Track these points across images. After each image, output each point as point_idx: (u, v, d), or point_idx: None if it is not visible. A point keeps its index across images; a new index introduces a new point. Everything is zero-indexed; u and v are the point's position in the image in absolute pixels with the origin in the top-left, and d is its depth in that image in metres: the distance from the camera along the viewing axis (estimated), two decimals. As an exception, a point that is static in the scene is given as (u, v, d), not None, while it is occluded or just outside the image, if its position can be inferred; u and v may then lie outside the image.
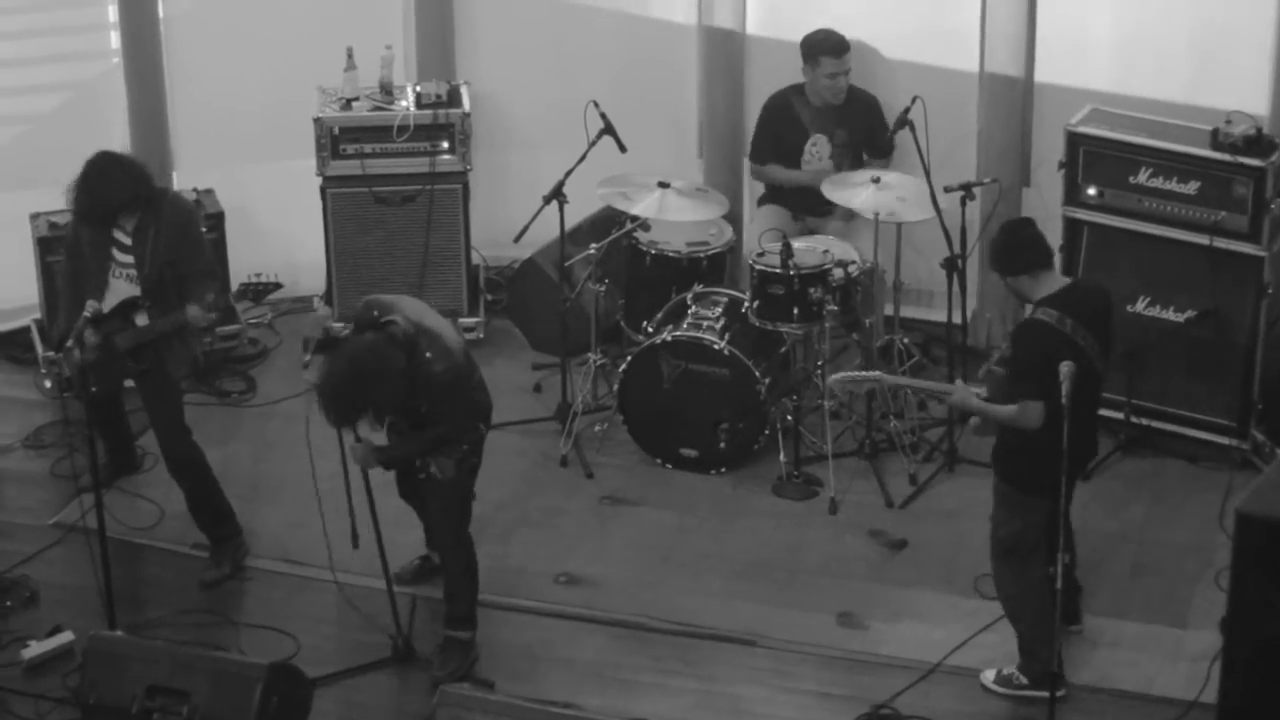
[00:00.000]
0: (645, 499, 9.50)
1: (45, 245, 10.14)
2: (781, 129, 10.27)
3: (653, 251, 9.96)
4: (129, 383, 9.02)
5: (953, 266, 9.55)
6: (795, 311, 9.45)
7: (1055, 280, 7.90)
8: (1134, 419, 9.63)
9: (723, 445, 9.55)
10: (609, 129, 9.86)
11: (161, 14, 10.64)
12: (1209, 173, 9.30)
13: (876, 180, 9.67)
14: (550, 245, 10.22)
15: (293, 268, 10.56)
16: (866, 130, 10.20)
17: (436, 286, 10.51)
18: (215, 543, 9.03)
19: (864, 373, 8.37)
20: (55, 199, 9.05)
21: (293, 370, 10.30)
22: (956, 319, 9.78)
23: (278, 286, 8.95)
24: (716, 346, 9.45)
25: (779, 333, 9.56)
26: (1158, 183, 9.43)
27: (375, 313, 7.98)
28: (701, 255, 9.97)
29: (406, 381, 7.86)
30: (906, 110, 9.47)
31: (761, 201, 10.51)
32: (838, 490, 9.39)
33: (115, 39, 10.67)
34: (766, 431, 9.53)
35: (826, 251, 9.59)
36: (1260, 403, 9.51)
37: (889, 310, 10.03)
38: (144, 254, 8.64)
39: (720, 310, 9.65)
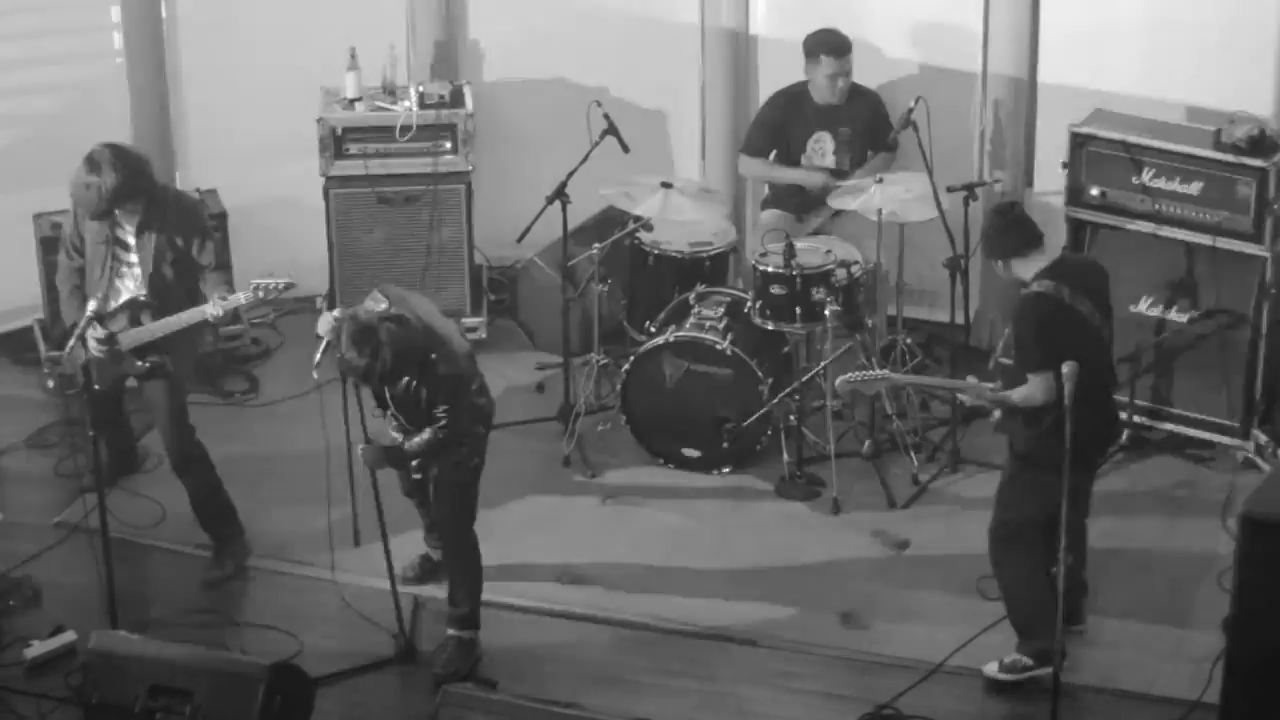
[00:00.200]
0: (648, 499, 9.49)
1: (47, 245, 10.13)
2: (786, 123, 10.26)
3: (655, 251, 9.96)
4: (132, 382, 9.02)
5: (956, 267, 9.56)
6: (798, 312, 9.45)
7: (1046, 259, 7.94)
8: (1136, 419, 9.63)
9: (725, 445, 9.56)
10: (612, 129, 9.86)
11: (164, 14, 10.64)
12: (1212, 173, 9.30)
13: (879, 180, 9.67)
14: (553, 245, 10.22)
15: (296, 268, 10.49)
16: (870, 128, 10.19)
17: (439, 287, 10.51)
18: (218, 542, 9.03)
19: (871, 373, 8.36)
20: (58, 199, 9.04)
21: (294, 370, 10.28)
22: (960, 319, 9.78)
23: (291, 286, 8.91)
24: (719, 347, 9.44)
25: (781, 333, 9.57)
26: (1161, 183, 9.43)
27: (386, 302, 7.99)
28: (704, 255, 9.96)
29: (415, 367, 7.89)
30: (910, 110, 9.48)
31: (765, 205, 10.50)
32: (840, 490, 9.40)
33: (118, 39, 10.67)
34: (769, 432, 9.54)
35: (829, 252, 9.59)
36: (1263, 403, 9.52)
37: (892, 310, 10.03)
38: (148, 253, 8.64)
39: (723, 310, 9.64)
